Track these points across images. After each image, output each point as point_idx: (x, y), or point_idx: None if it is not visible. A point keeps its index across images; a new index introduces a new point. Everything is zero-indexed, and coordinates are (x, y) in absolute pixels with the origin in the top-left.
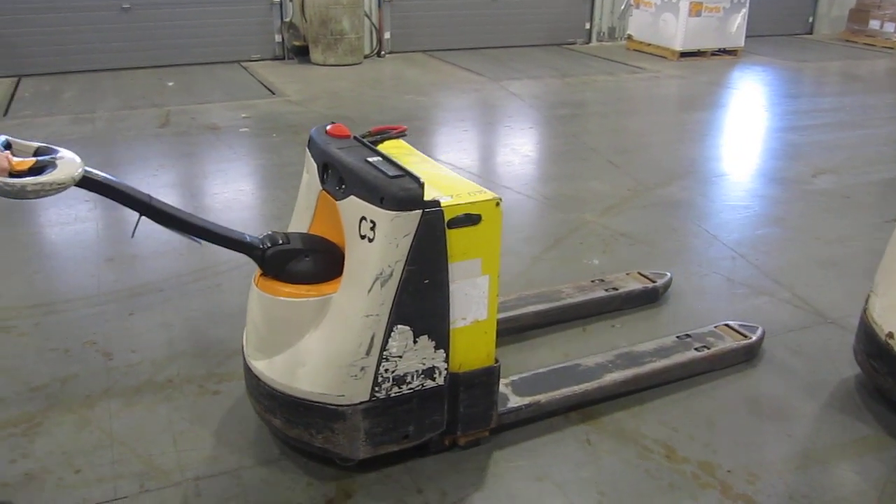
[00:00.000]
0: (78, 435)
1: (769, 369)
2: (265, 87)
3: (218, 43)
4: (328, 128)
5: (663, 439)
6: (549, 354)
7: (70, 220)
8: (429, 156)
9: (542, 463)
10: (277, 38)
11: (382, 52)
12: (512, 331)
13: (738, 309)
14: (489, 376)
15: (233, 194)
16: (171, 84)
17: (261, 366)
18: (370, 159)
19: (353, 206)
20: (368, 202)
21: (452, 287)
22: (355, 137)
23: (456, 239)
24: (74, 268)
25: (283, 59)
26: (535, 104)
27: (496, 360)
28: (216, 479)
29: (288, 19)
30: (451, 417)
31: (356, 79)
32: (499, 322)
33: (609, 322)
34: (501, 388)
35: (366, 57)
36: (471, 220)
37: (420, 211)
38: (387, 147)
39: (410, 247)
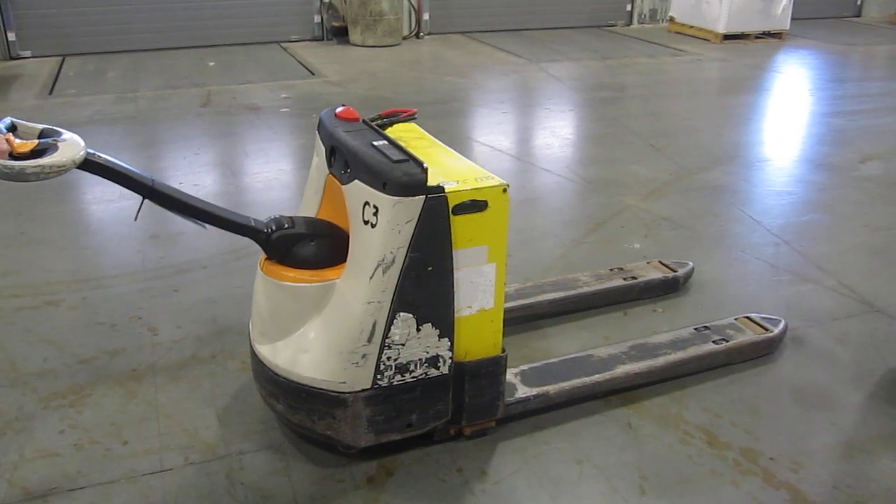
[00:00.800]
0: (125, 407)
1: (813, 358)
2: (305, 67)
3: (258, 24)
4: (338, 110)
5: (705, 425)
6: (589, 338)
7: (115, 198)
8: (467, 137)
9: (582, 446)
10: (316, 18)
11: (421, 34)
12: (527, 318)
13: (781, 296)
14: (496, 366)
15: (273, 174)
16: (211, 64)
17: (264, 350)
18: (376, 143)
19: (358, 191)
20: (372, 187)
21: (458, 274)
22: (364, 121)
23: (461, 225)
24: (120, 244)
25: (322, 39)
26: (575, 87)
27: (503, 350)
28: (259, 453)
29: (327, 0)
30: (456, 407)
31: (395, 60)
32: (513, 310)
33: (651, 307)
34: (510, 378)
35: (404, 38)
36: (477, 206)
37: (423, 197)
38: (397, 130)
39: (413, 233)
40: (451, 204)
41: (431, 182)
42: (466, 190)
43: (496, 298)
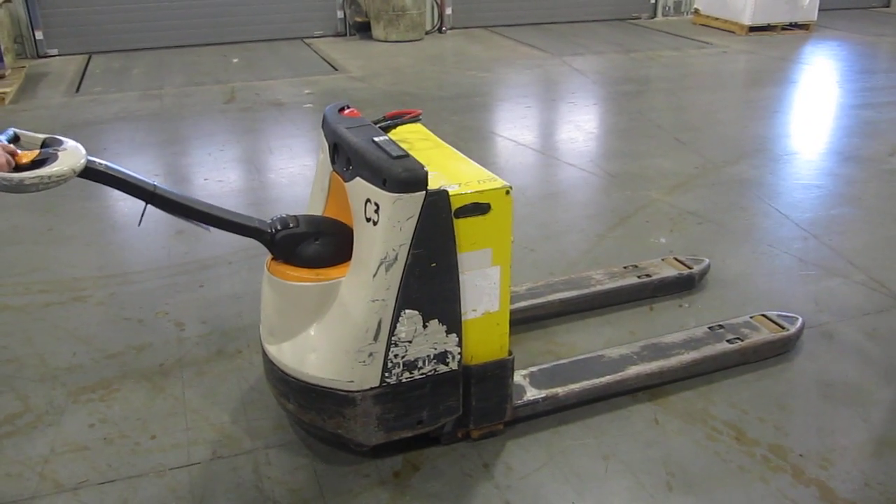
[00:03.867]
0: (152, 402)
1: (843, 353)
2: (328, 63)
3: (281, 20)
4: (344, 112)
5: (733, 421)
6: (614, 334)
7: None
8: (490, 132)
9: (609, 441)
10: (339, 14)
11: (444, 28)
12: (539, 318)
13: (810, 291)
14: (502, 369)
15: (297, 169)
16: (235, 61)
17: (274, 350)
18: (377, 139)
19: (360, 188)
20: (372, 184)
21: (462, 278)
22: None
23: (464, 228)
24: (146, 240)
25: (345, 35)
26: (599, 80)
27: (510, 353)
28: (285, 447)
29: None
30: (463, 410)
31: (418, 55)
32: (525, 310)
33: (676, 302)
34: (519, 380)
35: (427, 33)
36: (479, 209)
37: (423, 193)
38: (402, 132)
39: (415, 230)
40: (454, 207)
41: (433, 185)
42: (468, 193)
43: (501, 301)
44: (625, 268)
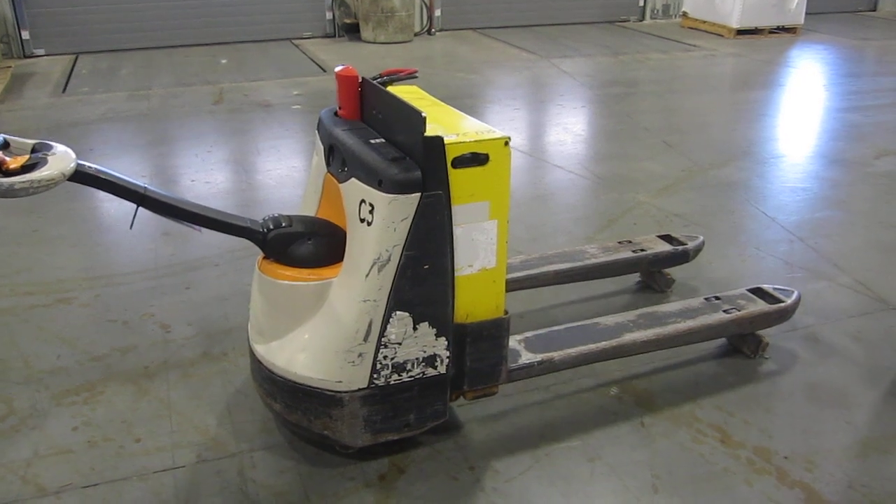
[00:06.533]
0: (137, 404)
1: (828, 356)
2: (316, 64)
3: (270, 21)
4: (338, 69)
5: (718, 423)
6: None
7: None
8: None
9: (594, 444)
10: (328, 15)
11: (433, 30)
12: (532, 288)
13: None
14: (498, 329)
15: (286, 170)
16: (224, 61)
17: (262, 350)
18: (373, 141)
19: (354, 189)
20: (368, 185)
21: (458, 231)
22: (364, 79)
23: (462, 179)
24: (132, 241)
25: (334, 36)
26: (588, 83)
27: (506, 312)
28: (271, 450)
29: None
30: (457, 371)
31: (407, 56)
32: (519, 280)
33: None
34: (514, 345)
35: (416, 35)
36: (478, 159)
37: (419, 194)
38: (398, 91)
39: (409, 231)
40: (451, 156)
41: (430, 133)
42: (467, 142)
43: (498, 257)
44: (619, 243)
